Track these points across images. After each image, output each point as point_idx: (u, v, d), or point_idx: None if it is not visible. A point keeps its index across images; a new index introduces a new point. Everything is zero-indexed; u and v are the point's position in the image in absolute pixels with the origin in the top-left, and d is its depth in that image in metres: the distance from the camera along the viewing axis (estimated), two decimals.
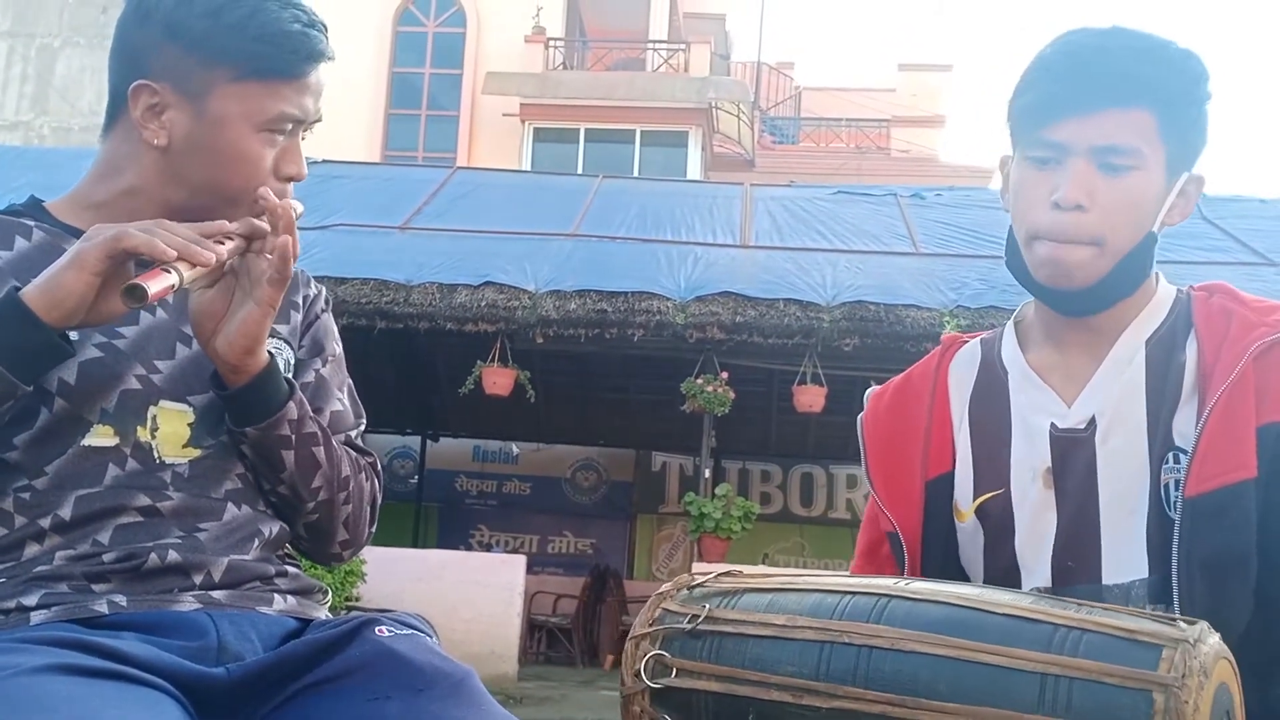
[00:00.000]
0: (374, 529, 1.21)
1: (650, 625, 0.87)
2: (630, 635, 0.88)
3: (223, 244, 0.99)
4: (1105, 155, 1.06)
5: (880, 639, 0.74)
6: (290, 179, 1.11)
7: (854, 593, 0.79)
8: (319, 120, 1.13)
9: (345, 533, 1.16)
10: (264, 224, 1.02)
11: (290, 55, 1.07)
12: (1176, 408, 1.06)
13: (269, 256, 1.03)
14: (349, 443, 1.18)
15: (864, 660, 0.74)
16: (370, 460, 1.20)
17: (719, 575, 0.90)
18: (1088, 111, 1.06)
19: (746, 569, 0.95)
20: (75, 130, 14.16)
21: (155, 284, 0.92)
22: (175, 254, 0.93)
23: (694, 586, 0.89)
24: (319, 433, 1.11)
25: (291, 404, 1.07)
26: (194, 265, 0.95)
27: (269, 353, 1.06)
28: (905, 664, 0.73)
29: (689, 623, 0.84)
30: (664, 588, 0.91)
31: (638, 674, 0.85)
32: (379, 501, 1.21)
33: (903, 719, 0.71)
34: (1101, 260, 1.07)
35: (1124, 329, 1.11)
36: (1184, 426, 1.05)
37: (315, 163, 10.01)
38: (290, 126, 1.10)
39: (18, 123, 15.03)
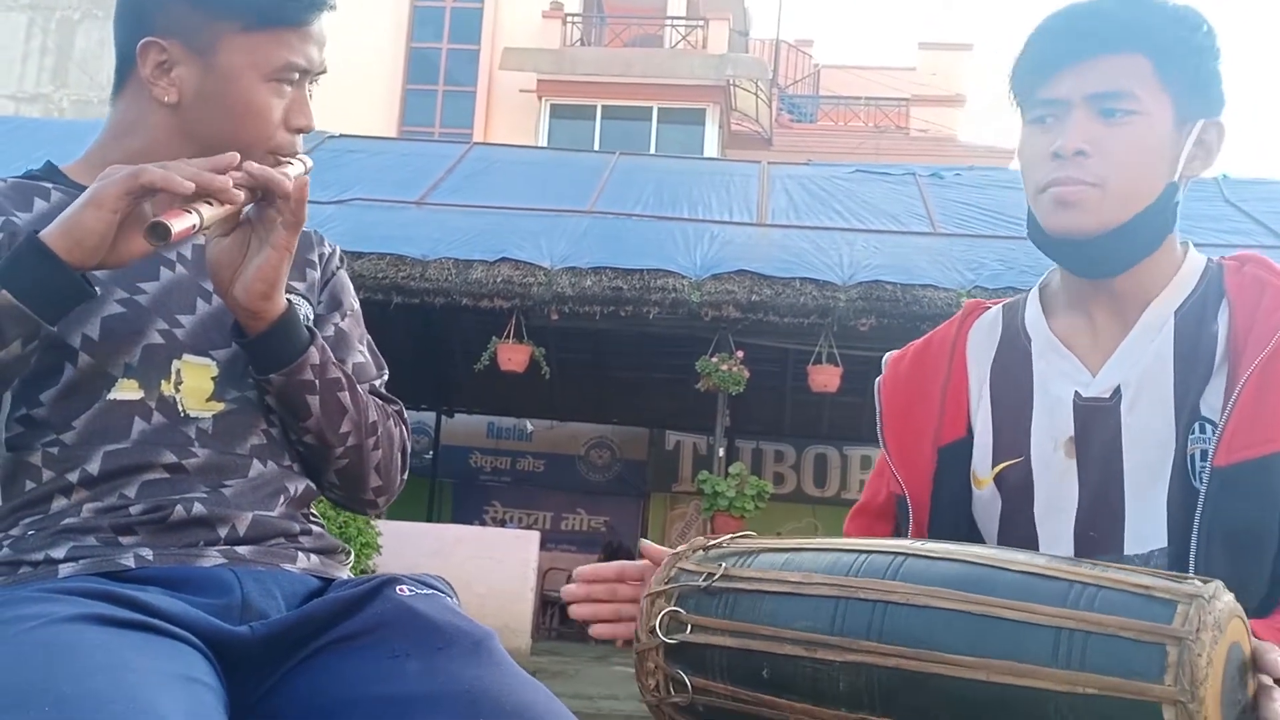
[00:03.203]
0: (405, 476, 1.21)
1: (666, 583, 0.88)
2: (645, 593, 0.89)
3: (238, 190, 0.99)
4: (1102, 101, 1.06)
5: (895, 594, 0.74)
6: (300, 130, 1.12)
7: (870, 551, 0.79)
8: (324, 72, 1.14)
9: (378, 478, 1.17)
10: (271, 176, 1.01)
11: (294, 3, 1.08)
12: (1207, 378, 1.05)
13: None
14: (374, 391, 1.19)
15: (879, 615, 0.74)
16: (397, 408, 1.21)
17: (734, 537, 0.90)
18: (1081, 60, 1.07)
19: (769, 536, 0.95)
20: (95, 103, 14.19)
21: (178, 223, 0.92)
22: (193, 186, 0.93)
23: (709, 547, 0.89)
24: (343, 378, 1.11)
25: (313, 349, 1.08)
26: (214, 204, 0.96)
27: (288, 300, 1.07)
28: (920, 619, 0.73)
29: (704, 580, 0.85)
30: (680, 548, 0.91)
31: (652, 630, 0.85)
32: (409, 449, 1.21)
33: (917, 672, 0.72)
34: (1107, 203, 1.06)
35: (1152, 298, 1.10)
36: (1213, 397, 1.04)
37: (332, 137, 10.02)
38: (297, 77, 1.11)
39: (38, 95, 15.07)
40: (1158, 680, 0.66)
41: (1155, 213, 1.07)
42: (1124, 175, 1.06)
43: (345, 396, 1.10)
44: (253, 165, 1.00)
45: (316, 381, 1.07)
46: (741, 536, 0.91)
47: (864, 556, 0.79)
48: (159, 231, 0.91)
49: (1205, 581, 0.72)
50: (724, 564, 0.85)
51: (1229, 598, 0.73)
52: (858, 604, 0.75)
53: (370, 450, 1.14)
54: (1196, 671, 0.66)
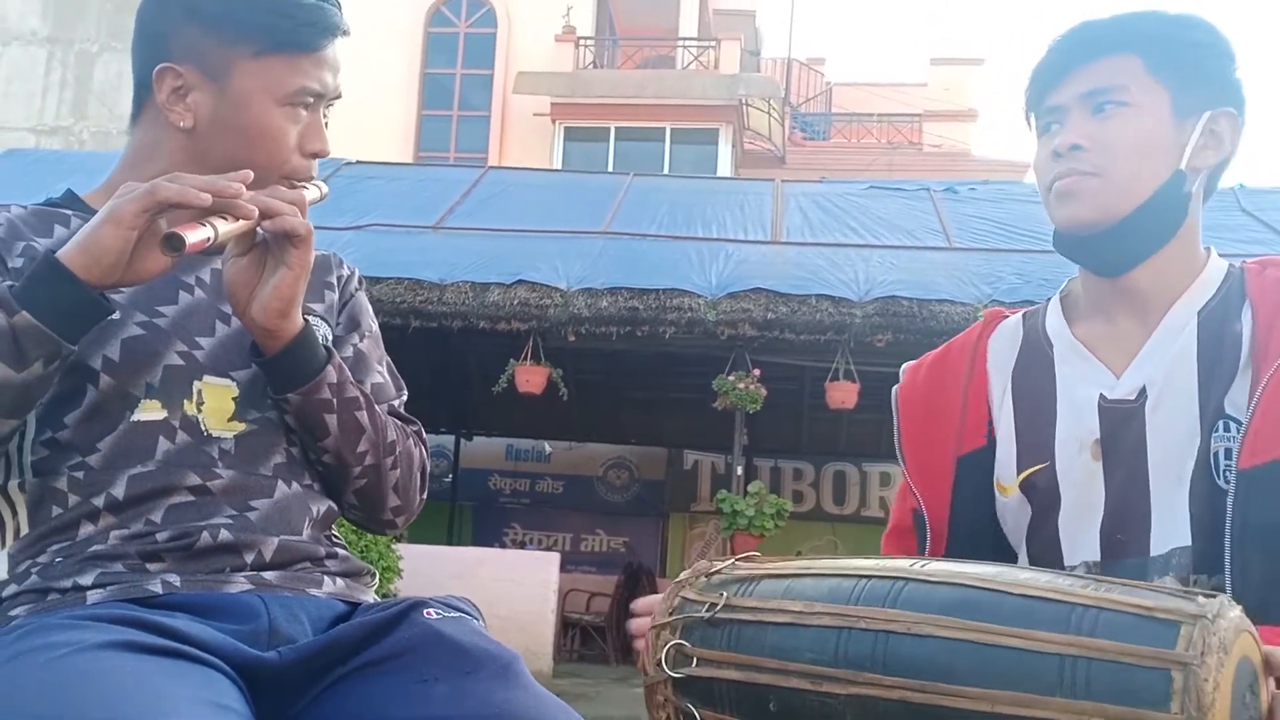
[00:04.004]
0: (424, 496, 1.21)
1: (670, 614, 0.87)
2: (651, 624, 0.88)
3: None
4: (1093, 98, 1.11)
5: (897, 623, 0.73)
6: (315, 155, 1.13)
7: (869, 576, 0.78)
8: (339, 97, 1.15)
9: (396, 498, 1.16)
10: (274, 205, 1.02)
11: (307, 28, 1.09)
12: (1231, 377, 1.05)
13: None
14: (393, 412, 1.19)
15: (881, 645, 0.74)
16: (416, 428, 1.20)
17: (736, 561, 0.90)
18: (1076, 68, 1.12)
19: (773, 557, 0.94)
20: (114, 134, 14.37)
21: (192, 234, 0.93)
22: (209, 199, 0.94)
23: (712, 574, 0.89)
24: (361, 397, 1.11)
25: (330, 368, 1.08)
26: (228, 219, 0.97)
27: (305, 320, 1.07)
28: (922, 648, 0.72)
29: (707, 611, 0.84)
30: (682, 575, 0.91)
31: (659, 664, 0.85)
32: (428, 469, 1.21)
33: (923, 705, 0.71)
34: (1106, 191, 1.09)
35: (1174, 299, 1.11)
36: (1237, 396, 1.04)
37: (349, 163, 10.10)
38: (311, 101, 1.12)
39: (58, 127, 15.28)
40: (1164, 708, 0.65)
41: (1162, 200, 1.09)
42: (1120, 163, 1.09)
43: (363, 416, 1.10)
44: (267, 225, 1.01)
45: (334, 400, 1.08)
46: (744, 559, 0.90)
47: (864, 582, 0.79)
48: (173, 242, 0.92)
49: (1210, 597, 0.71)
50: (726, 592, 0.85)
51: (1235, 613, 0.72)
52: (860, 634, 0.75)
53: (388, 470, 1.14)
54: (1203, 697, 0.65)
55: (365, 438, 1.11)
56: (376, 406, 1.13)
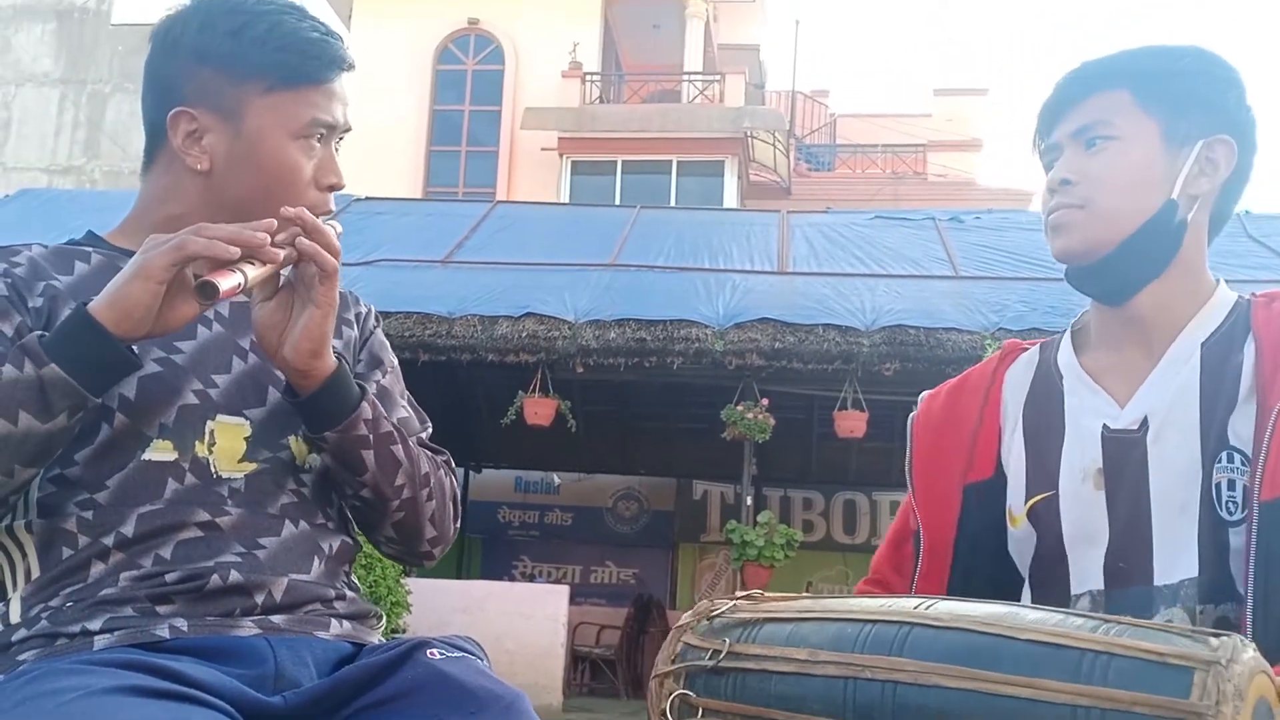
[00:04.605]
0: (458, 525, 1.22)
1: (672, 662, 0.85)
2: (654, 673, 0.87)
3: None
4: (1083, 134, 1.14)
5: (903, 673, 0.72)
6: (331, 188, 1.14)
7: (874, 621, 0.77)
8: (349, 129, 1.16)
9: (433, 529, 1.17)
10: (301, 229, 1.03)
11: (314, 61, 1.11)
12: (1232, 408, 1.06)
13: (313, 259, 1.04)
14: (421, 443, 1.20)
15: (888, 695, 0.72)
16: (445, 458, 1.22)
17: (737, 603, 0.88)
18: (1071, 106, 1.15)
19: (776, 595, 0.93)
20: (126, 173, 14.49)
21: (225, 281, 0.95)
22: (238, 252, 0.96)
23: (714, 616, 0.87)
24: (395, 431, 1.12)
25: (365, 404, 1.09)
26: (256, 264, 0.98)
27: (338, 358, 1.08)
28: (930, 698, 0.71)
29: (710, 659, 0.83)
30: (684, 619, 0.89)
31: (664, 714, 0.84)
32: (459, 497, 1.22)
33: None
34: (1092, 222, 1.12)
35: (1179, 329, 1.12)
36: (1241, 428, 1.04)
37: (359, 199, 10.17)
38: (324, 133, 1.13)
39: (70, 167, 15.44)
40: None
41: (1153, 229, 1.11)
42: (1106, 194, 1.11)
43: (398, 450, 1.11)
44: (304, 243, 1.01)
45: (370, 436, 1.08)
46: (746, 598, 0.89)
47: (869, 627, 0.77)
48: (207, 291, 0.94)
49: (1222, 636, 0.70)
50: (728, 639, 0.83)
51: (1249, 654, 0.70)
52: (866, 684, 0.73)
53: (424, 501, 1.14)
54: None
55: (402, 471, 1.11)
56: (409, 439, 1.14)
